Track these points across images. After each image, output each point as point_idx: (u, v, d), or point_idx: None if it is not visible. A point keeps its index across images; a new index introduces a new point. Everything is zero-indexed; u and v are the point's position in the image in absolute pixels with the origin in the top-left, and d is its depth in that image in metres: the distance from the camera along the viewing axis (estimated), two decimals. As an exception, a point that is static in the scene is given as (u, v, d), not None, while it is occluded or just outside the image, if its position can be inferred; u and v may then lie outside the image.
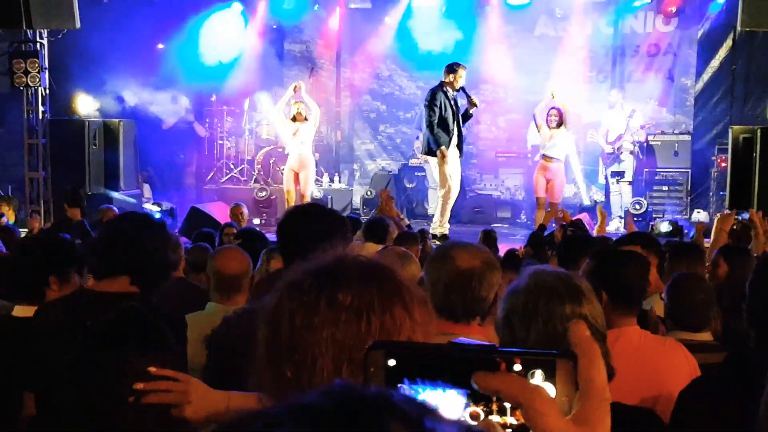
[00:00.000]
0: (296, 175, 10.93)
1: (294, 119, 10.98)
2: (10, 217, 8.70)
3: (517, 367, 0.79)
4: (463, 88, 9.57)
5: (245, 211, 9.39)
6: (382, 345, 0.81)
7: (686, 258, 4.55)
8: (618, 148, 12.14)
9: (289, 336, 1.13)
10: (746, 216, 5.97)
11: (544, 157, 10.80)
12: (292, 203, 10.62)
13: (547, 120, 10.70)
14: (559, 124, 10.65)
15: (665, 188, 12.77)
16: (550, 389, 0.79)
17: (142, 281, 2.83)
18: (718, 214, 6.59)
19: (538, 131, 10.88)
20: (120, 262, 2.81)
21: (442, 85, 9.55)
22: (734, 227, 5.86)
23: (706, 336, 3.45)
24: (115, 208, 8.66)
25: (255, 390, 1.20)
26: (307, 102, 11.05)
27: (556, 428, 0.73)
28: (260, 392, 1.18)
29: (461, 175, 13.22)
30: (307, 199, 10.82)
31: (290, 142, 11.01)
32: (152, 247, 2.86)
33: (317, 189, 12.70)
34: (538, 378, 0.79)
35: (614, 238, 5.32)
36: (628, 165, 12.23)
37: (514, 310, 2.02)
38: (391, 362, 0.79)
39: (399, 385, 0.79)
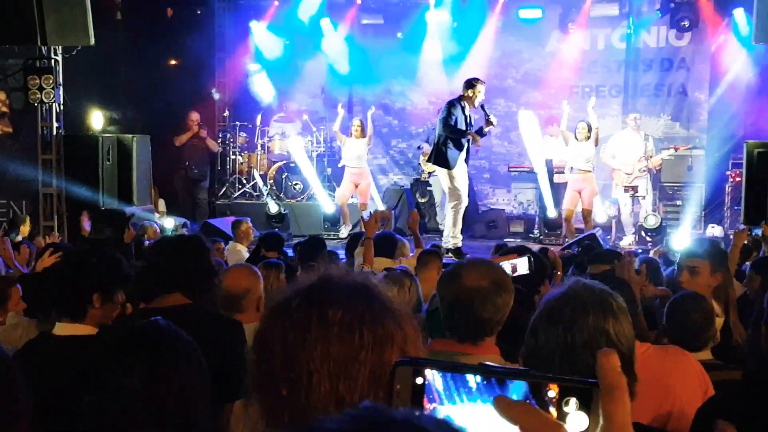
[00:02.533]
0: (355, 187, 12.13)
1: (352, 134, 12.16)
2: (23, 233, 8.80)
3: (551, 393, 0.77)
4: (482, 105, 9.55)
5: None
6: (410, 362, 0.79)
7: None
8: (639, 169, 12.03)
9: (282, 355, 1.13)
10: (759, 231, 5.93)
11: (576, 170, 11.13)
12: (347, 214, 12.08)
13: (576, 133, 11.08)
14: (587, 137, 11.00)
15: (679, 203, 12.70)
16: (583, 419, 0.76)
17: (194, 293, 3.14)
18: (735, 230, 6.54)
19: (566, 145, 11.24)
20: (170, 281, 3.11)
21: (460, 98, 9.50)
22: (747, 242, 5.81)
23: (704, 355, 3.42)
24: (155, 224, 8.72)
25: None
26: (367, 123, 12.22)
27: None
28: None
29: (473, 189, 13.40)
30: (366, 208, 11.83)
31: (348, 157, 12.22)
32: (195, 260, 3.17)
33: (331, 204, 12.76)
34: (572, 406, 0.76)
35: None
36: (641, 180, 12.15)
37: (540, 317, 2.00)
38: (419, 380, 0.78)
39: (435, 393, 0.77)
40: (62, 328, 3.05)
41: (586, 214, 11.17)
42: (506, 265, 4.22)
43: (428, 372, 0.78)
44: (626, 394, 0.72)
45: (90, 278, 3.09)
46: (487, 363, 0.80)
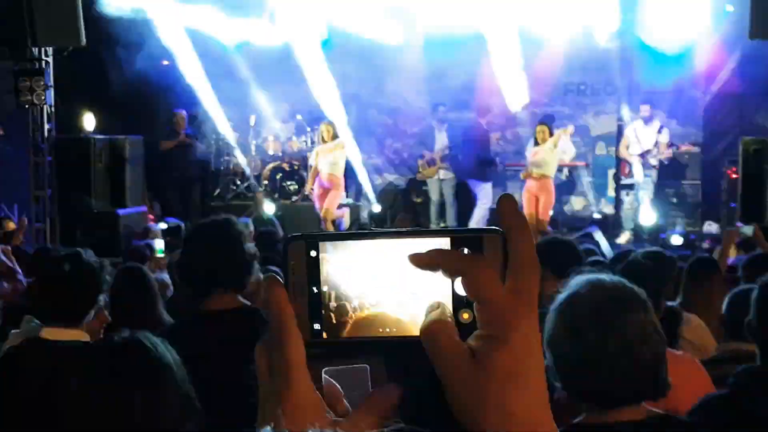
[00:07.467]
0: (325, 193, 11.30)
1: (322, 139, 11.53)
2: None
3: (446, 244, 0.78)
4: None
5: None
6: (301, 236, 0.78)
7: (704, 272, 4.46)
8: (645, 164, 11.92)
9: None
10: (747, 230, 5.89)
11: (537, 174, 11.04)
12: (329, 220, 11.18)
13: (535, 137, 11.21)
14: (544, 140, 11.00)
15: (675, 200, 12.64)
16: None
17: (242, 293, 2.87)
18: (726, 230, 6.50)
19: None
20: (228, 278, 2.80)
21: None
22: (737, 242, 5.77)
23: None
24: (155, 227, 8.62)
25: None
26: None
27: (496, 296, 0.72)
28: None
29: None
30: (331, 217, 11.19)
31: (320, 160, 11.44)
32: (252, 258, 2.89)
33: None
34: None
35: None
36: (638, 178, 12.08)
37: (581, 317, 1.95)
38: (313, 253, 0.77)
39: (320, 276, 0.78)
40: (54, 333, 2.92)
41: (541, 223, 10.76)
42: None
43: (323, 244, 0.78)
44: (530, 230, 0.75)
45: (95, 282, 3.02)
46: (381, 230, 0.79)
